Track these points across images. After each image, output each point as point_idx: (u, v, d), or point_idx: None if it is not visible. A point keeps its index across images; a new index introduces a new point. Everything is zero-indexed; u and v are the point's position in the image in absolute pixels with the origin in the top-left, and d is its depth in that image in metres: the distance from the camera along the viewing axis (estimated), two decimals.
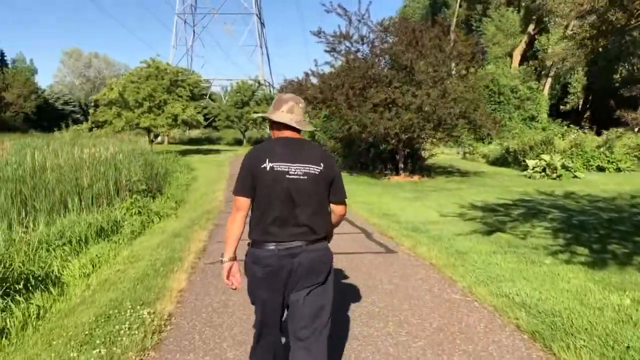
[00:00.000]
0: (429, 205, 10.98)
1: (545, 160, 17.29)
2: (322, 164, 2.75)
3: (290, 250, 2.72)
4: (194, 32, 55.48)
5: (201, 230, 8.76)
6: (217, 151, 37.45)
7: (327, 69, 17.26)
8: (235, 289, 2.93)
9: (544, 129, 34.50)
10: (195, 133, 54.12)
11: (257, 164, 2.69)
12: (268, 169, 2.67)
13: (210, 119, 51.08)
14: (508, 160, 22.32)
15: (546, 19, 46.17)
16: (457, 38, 16.16)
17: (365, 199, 12.12)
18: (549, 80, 46.26)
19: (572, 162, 18.01)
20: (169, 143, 46.90)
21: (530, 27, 48.09)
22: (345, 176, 15.70)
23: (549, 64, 45.92)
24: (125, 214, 10.47)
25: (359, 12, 16.56)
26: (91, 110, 31.10)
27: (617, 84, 46.58)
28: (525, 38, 48.09)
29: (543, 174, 17.06)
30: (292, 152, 2.74)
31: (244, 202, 2.76)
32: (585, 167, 18.63)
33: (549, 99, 45.67)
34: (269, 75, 58.24)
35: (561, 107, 45.42)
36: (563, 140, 20.03)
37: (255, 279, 2.80)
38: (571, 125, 28.27)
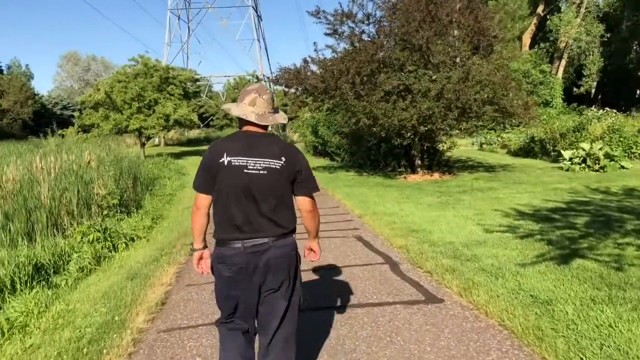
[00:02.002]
0: (464, 215, 8.67)
1: (585, 150, 14.94)
2: (283, 158, 2.68)
3: (257, 247, 2.66)
4: (188, 28, 53.09)
5: (169, 265, 6.52)
6: None
7: (328, 54, 14.98)
8: (205, 273, 2.91)
9: (561, 114, 32.25)
10: (194, 133, 51.92)
11: (216, 159, 2.64)
12: (226, 163, 2.62)
13: (208, 118, 48.82)
14: (534, 150, 19.95)
15: None
16: (479, 12, 13.75)
17: (383, 207, 9.83)
18: (563, 62, 43.75)
19: (612, 150, 15.65)
20: (166, 145, 44.69)
21: (540, 8, 45.59)
22: (354, 177, 13.32)
23: (562, 45, 43.49)
24: (81, 241, 8.25)
25: None
26: (76, 114, 28.84)
27: (632, 65, 44.15)
28: (534, 20, 45.61)
29: (583, 165, 14.71)
30: (251, 146, 2.67)
31: (204, 198, 2.74)
32: (627, 155, 16.26)
33: (563, 82, 43.21)
34: (268, 69, 55.87)
35: (575, 90, 42.86)
36: (599, 124, 17.60)
37: (223, 279, 2.75)
38: (592, 109, 26.04)
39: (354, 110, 13.56)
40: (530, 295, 4.61)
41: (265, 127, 2.77)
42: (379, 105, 12.86)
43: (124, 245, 8.57)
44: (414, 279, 5.42)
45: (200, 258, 2.90)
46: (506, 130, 20.89)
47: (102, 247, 8.12)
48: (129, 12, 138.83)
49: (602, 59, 42.53)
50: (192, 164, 24.86)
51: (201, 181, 2.71)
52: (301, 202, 2.84)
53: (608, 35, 41.15)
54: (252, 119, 2.69)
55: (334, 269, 5.91)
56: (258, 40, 52.83)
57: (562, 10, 43.83)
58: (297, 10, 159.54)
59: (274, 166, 2.64)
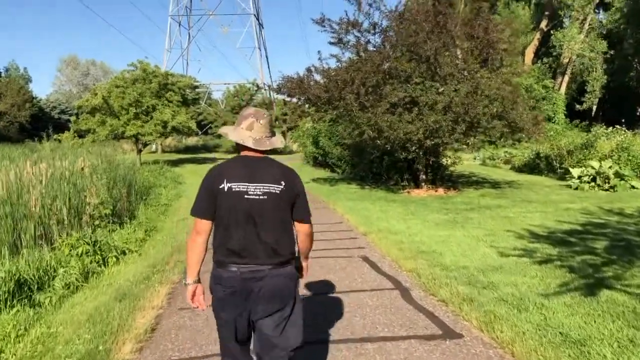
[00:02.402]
0: (475, 235, 8.22)
1: (594, 168, 14.52)
2: (283, 183, 2.66)
3: (253, 274, 2.62)
4: (189, 34, 52.83)
5: (160, 285, 6.05)
6: (213, 159, 34.71)
7: (332, 63, 14.57)
8: (202, 309, 2.86)
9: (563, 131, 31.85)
10: (192, 140, 51.48)
11: (215, 184, 2.63)
12: (226, 189, 2.61)
13: (207, 126, 48.37)
14: (540, 166, 19.54)
15: (561, 12, 43.59)
16: (489, 23, 13.38)
17: (388, 224, 9.37)
18: (566, 78, 43.51)
19: (621, 169, 15.25)
20: (164, 152, 44.23)
21: (543, 23, 45.43)
22: (356, 190, 12.80)
23: (566, 61, 43.27)
24: (69, 254, 7.77)
25: None
26: (72, 118, 28.36)
27: (634, 83, 43.90)
28: (537, 35, 45.42)
29: (592, 184, 14.29)
30: (251, 171, 2.66)
31: (204, 224, 2.68)
32: (636, 174, 15.84)
33: (565, 98, 42.97)
34: (269, 77, 55.56)
35: (577, 106, 42.52)
36: (608, 142, 17.20)
37: (218, 300, 2.70)
38: (592, 125, 25.52)
39: (358, 121, 13.13)
40: (560, 333, 4.16)
41: (263, 151, 2.75)
42: (384, 118, 12.44)
43: (114, 259, 8.08)
44: (428, 309, 4.96)
45: (194, 294, 2.81)
46: (511, 146, 20.45)
47: (91, 261, 7.62)
48: (129, 18, 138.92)
49: (605, 76, 42.32)
50: (189, 172, 24.40)
51: (201, 207, 2.68)
52: (301, 226, 2.83)
53: (611, 52, 40.96)
54: (250, 144, 2.69)
55: (340, 294, 5.45)
56: (259, 48, 52.67)
57: (565, 26, 43.70)
58: (298, 19, 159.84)
59: (274, 191, 2.63)
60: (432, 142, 12.78)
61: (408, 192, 14.38)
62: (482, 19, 13.23)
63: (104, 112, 27.18)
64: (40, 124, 63.96)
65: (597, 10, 44.93)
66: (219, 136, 48.00)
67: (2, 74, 75.85)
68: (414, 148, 13.42)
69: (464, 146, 14.70)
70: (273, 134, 2.82)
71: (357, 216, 10.41)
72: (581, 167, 15.88)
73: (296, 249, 2.84)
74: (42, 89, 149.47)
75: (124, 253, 8.66)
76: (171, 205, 13.63)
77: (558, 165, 17.97)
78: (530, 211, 10.60)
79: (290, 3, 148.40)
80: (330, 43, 14.66)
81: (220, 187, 2.61)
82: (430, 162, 15.38)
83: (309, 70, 14.45)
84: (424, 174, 14.68)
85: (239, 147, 2.76)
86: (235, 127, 2.76)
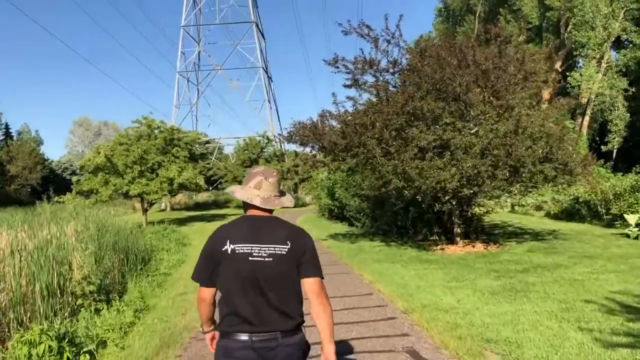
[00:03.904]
0: (550, 311, 6.33)
1: None
2: (288, 243, 2.53)
3: (265, 343, 2.45)
4: (197, 90, 52.29)
5: None
6: (223, 216, 33.07)
7: (348, 106, 13.03)
8: None
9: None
10: (202, 196, 50.07)
11: (218, 247, 2.52)
12: (229, 251, 2.49)
13: (217, 181, 47.00)
14: (581, 213, 17.63)
15: (576, 52, 42.39)
16: (523, 52, 11.86)
17: (433, 297, 7.50)
18: (587, 118, 41.89)
19: None
20: (173, 209, 42.76)
21: (558, 64, 44.31)
22: (382, 248, 9.73)
23: (585, 100, 41.78)
24: (27, 356, 6.00)
25: (388, 30, 12.45)
26: (74, 179, 27.03)
27: None
28: (553, 75, 44.19)
29: None
30: (256, 231, 2.53)
31: (206, 292, 2.60)
32: None
33: (587, 139, 41.23)
34: (279, 129, 54.59)
35: (602, 147, 40.64)
36: None
37: None
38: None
39: (382, 169, 11.43)
40: None
41: (271, 211, 2.65)
42: (413, 164, 10.76)
43: (87, 356, 6.30)
44: None
45: (213, 338, 2.75)
46: (557, 191, 18.51)
47: None
48: (138, 77, 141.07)
49: (627, 114, 40.63)
50: (196, 232, 22.72)
51: (202, 273, 2.58)
52: (308, 285, 2.56)
53: (633, 90, 39.41)
54: (257, 203, 2.59)
55: None
56: (269, 101, 51.87)
57: (580, 64, 42.51)
58: (306, 71, 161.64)
59: (279, 252, 2.50)
60: (471, 191, 11.02)
61: (442, 248, 12.49)
62: (517, 49, 11.70)
63: (107, 171, 25.82)
64: (51, 185, 63.55)
65: (614, 49, 43.74)
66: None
67: (15, 138, 76.21)
68: (447, 198, 11.66)
69: (507, 194, 12.90)
70: (282, 193, 2.72)
71: (391, 284, 8.57)
72: (633, 212, 14.05)
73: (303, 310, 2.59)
74: (56, 151, 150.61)
75: (104, 344, 6.92)
76: (171, 275, 11.85)
77: (604, 211, 16.07)
78: (599, 271, 8.70)
79: (296, 49, 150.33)
80: (345, 86, 13.22)
81: (224, 249, 2.49)
82: (463, 213, 13.57)
83: (322, 115, 12.94)
84: (457, 227, 12.83)
85: (246, 206, 2.67)
86: (243, 186, 2.70)
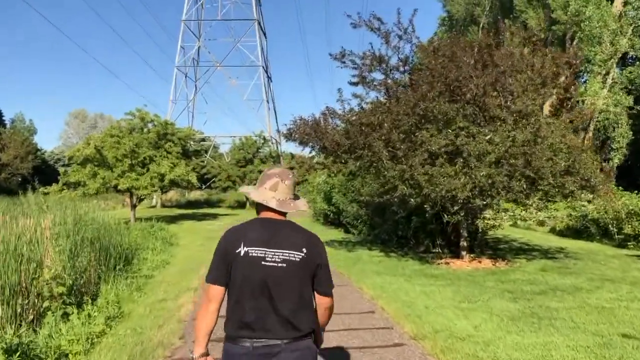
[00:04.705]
0: (586, 347, 5.43)
1: None
2: (304, 250, 2.43)
3: (267, 349, 2.37)
4: (195, 86, 51.33)
5: None
6: (214, 216, 32.07)
7: (354, 104, 12.10)
8: None
9: None
10: (195, 195, 49.00)
11: (232, 249, 2.43)
12: (242, 254, 2.41)
13: (210, 180, 45.97)
14: (590, 230, 16.79)
15: (582, 67, 41.77)
16: (545, 52, 11.04)
17: (444, 319, 6.60)
18: (590, 134, 41.24)
19: None
20: (163, 206, 41.71)
21: (561, 78, 43.69)
22: (381, 259, 7.46)
23: (588, 116, 41.13)
24: None
25: (400, 24, 11.60)
26: (61, 170, 25.98)
27: None
28: (555, 90, 43.53)
29: None
30: (271, 235, 2.45)
31: (218, 291, 2.46)
32: None
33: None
34: (276, 129, 53.68)
35: (603, 164, 39.94)
36: None
37: None
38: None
39: (387, 174, 10.54)
40: None
41: (285, 214, 2.55)
42: (422, 170, 9.88)
43: None
44: None
45: None
46: (554, 206, 17.68)
47: None
48: (136, 70, 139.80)
49: (631, 132, 40.02)
50: (185, 231, 21.75)
51: (215, 272, 2.46)
52: (321, 299, 2.56)
53: (638, 108, 38.80)
54: (273, 205, 2.51)
55: None
56: (267, 101, 50.96)
57: (584, 79, 41.90)
58: (307, 72, 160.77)
59: (293, 259, 2.41)
60: (484, 202, 10.14)
61: (446, 262, 11.60)
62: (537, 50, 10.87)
63: (97, 164, 24.81)
64: (42, 176, 62.37)
65: (619, 66, 43.16)
66: (224, 190, 45.67)
67: (8, 125, 74.93)
68: (455, 208, 10.78)
69: (526, 207, 12.00)
70: (297, 197, 2.63)
71: (395, 301, 7.67)
72: None
73: (314, 323, 2.51)
74: (50, 142, 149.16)
75: (65, 358, 6.01)
76: (153, 277, 10.90)
77: (616, 230, 15.24)
78: (627, 298, 7.83)
79: (296, 49, 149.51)
80: (351, 83, 12.36)
81: (237, 251, 2.40)
82: (470, 226, 12.69)
83: (324, 113, 12.04)
84: (464, 240, 11.94)
85: (259, 208, 2.59)
86: (257, 187, 2.60)
